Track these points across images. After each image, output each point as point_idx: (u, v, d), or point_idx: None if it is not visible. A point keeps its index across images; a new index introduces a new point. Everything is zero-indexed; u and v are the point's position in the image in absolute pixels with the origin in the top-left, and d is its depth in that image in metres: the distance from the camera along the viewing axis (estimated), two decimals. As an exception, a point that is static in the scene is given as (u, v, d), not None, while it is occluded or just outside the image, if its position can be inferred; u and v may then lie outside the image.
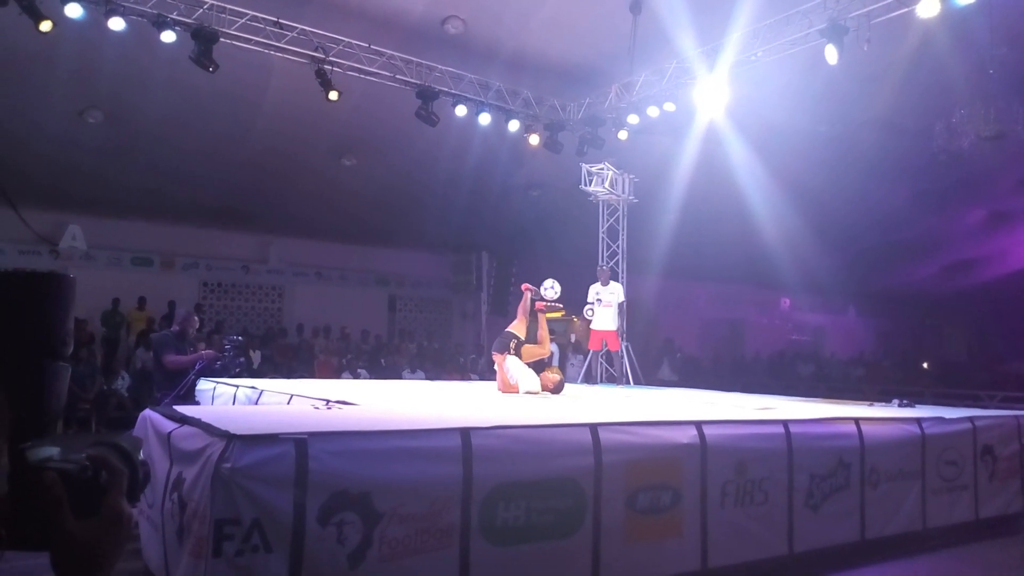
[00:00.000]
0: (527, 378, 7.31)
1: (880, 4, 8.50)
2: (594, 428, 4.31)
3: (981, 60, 10.45)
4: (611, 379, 11.13)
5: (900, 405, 7.33)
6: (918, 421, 6.11)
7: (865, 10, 8.56)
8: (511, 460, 3.94)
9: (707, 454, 4.67)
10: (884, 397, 8.20)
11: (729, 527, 4.74)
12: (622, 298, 10.30)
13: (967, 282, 21.60)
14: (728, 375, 19.00)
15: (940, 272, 21.31)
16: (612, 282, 10.28)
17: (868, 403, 7.78)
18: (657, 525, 4.45)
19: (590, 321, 10.64)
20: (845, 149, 13.66)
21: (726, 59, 9.82)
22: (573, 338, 16.68)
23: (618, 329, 10.30)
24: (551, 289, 7.95)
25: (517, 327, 7.67)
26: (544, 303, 7.97)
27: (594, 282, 10.74)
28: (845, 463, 5.41)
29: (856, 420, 5.69)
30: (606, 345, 10.90)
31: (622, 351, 12.03)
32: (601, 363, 12.50)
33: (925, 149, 12.77)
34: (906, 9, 8.35)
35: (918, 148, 13.07)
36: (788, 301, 24.09)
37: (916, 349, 24.90)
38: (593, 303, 10.41)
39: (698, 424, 4.77)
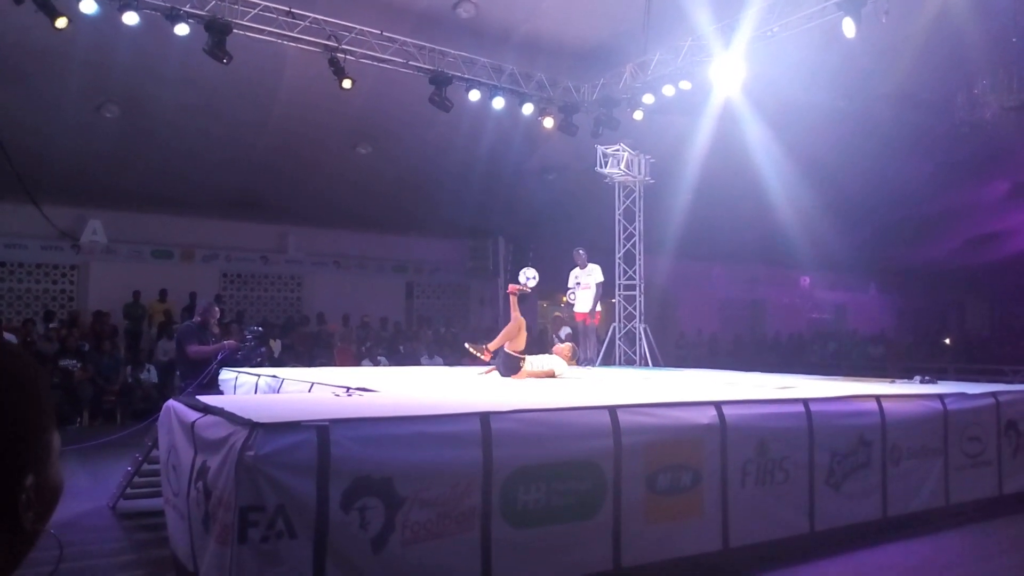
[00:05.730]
0: (551, 362, 7.46)
1: (898, -25, 8.36)
2: (613, 410, 4.32)
3: (1004, 28, 10.24)
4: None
5: (922, 382, 7.26)
6: (940, 397, 6.07)
7: (882, -19, 8.42)
8: (530, 443, 3.96)
9: (727, 434, 4.66)
10: (906, 374, 8.11)
11: (750, 507, 4.74)
12: (600, 278, 10.33)
13: (990, 256, 21.30)
14: (748, 355, 18.91)
15: (962, 246, 21.01)
16: (590, 264, 10.31)
17: (890, 380, 7.72)
18: (678, 505, 4.46)
19: (573, 305, 10.67)
20: (863, 124, 13.46)
21: (742, 35, 9.70)
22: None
23: (590, 310, 10.32)
24: (532, 279, 8.21)
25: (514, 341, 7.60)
26: (518, 287, 8.09)
27: (591, 263, 10.65)
28: (866, 441, 5.39)
29: (877, 397, 5.65)
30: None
31: (640, 332, 12.02)
32: (620, 345, 12.48)
33: (946, 121, 12.57)
34: (924, -21, 8.21)
35: (938, 121, 12.86)
36: (808, 280, 23.89)
37: (938, 325, 24.65)
38: (573, 288, 10.45)
39: (718, 404, 4.76)
